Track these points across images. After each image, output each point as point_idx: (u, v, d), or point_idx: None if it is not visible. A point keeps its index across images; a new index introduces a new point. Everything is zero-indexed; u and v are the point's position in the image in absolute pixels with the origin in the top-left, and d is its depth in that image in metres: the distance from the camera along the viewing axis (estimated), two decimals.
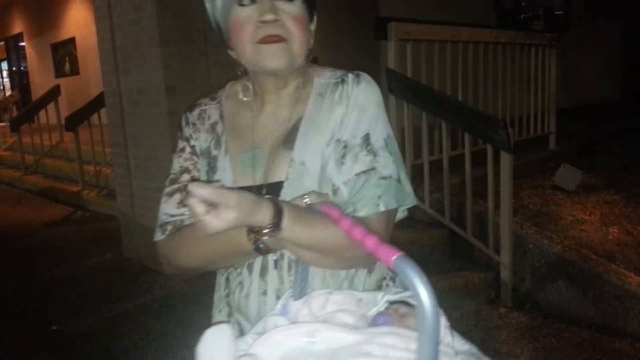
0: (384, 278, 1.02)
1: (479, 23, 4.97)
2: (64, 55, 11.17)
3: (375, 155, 0.93)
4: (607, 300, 2.82)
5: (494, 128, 2.97)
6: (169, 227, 1.00)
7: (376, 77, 1.06)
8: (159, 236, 1.01)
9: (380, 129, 0.96)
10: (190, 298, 3.31)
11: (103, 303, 3.41)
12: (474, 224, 3.27)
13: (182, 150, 1.06)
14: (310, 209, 0.84)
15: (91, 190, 5.86)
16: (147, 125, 3.70)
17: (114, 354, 2.85)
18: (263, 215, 0.78)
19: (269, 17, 0.90)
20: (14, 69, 14.37)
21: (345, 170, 0.93)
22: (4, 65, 15.07)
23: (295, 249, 0.87)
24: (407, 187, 0.97)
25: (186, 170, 1.04)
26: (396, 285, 1.02)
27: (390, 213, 0.95)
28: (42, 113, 7.26)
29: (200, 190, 0.71)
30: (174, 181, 1.04)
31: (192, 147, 1.05)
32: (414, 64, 3.58)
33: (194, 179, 1.03)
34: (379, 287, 1.00)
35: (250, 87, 1.04)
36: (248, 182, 0.98)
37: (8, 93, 14.22)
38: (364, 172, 0.92)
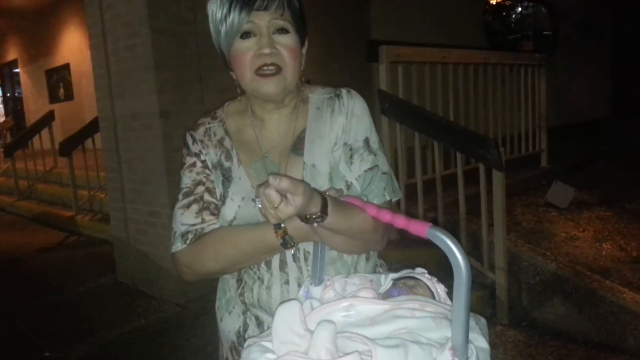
0: (377, 265, 1.18)
1: (470, 45, 5.06)
2: (58, 81, 11.22)
3: (375, 154, 1.11)
4: (603, 317, 2.82)
5: (486, 147, 3.01)
6: (190, 236, 1.08)
7: (368, 99, 1.19)
8: (179, 246, 1.08)
9: (374, 134, 1.13)
10: (184, 322, 3.28)
11: (97, 328, 3.38)
12: (468, 243, 3.29)
13: (193, 165, 1.14)
14: (340, 200, 0.95)
15: (85, 215, 5.84)
16: (142, 150, 3.71)
17: None
18: (316, 203, 0.86)
19: (267, 50, 1.03)
20: (9, 95, 14.41)
21: (355, 168, 1.09)
22: None
23: (328, 236, 0.95)
24: (396, 182, 1.15)
25: (200, 182, 1.12)
26: (385, 270, 1.19)
27: (391, 202, 1.12)
28: (36, 138, 7.27)
29: (277, 182, 0.79)
30: (189, 194, 1.12)
31: (203, 161, 1.14)
32: (405, 86, 3.63)
33: (208, 190, 1.12)
34: (374, 272, 1.14)
35: (249, 107, 1.16)
36: None
37: (2, 119, 14.23)
38: (370, 168, 1.09)
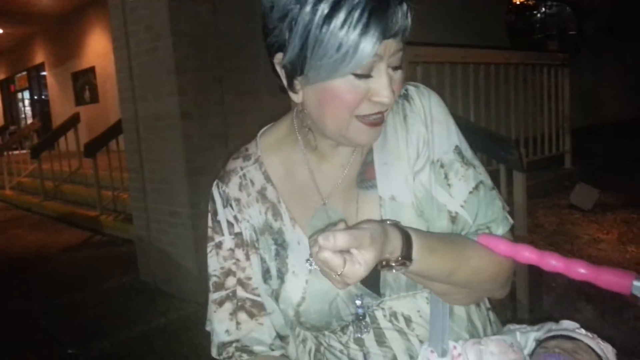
0: (488, 308, 0.93)
1: (493, 45, 5.00)
2: (84, 83, 11.47)
3: (474, 167, 0.85)
4: (626, 322, 2.76)
5: (506, 148, 2.97)
6: (231, 350, 0.88)
7: None
8: (214, 352, 0.91)
9: (463, 139, 0.87)
10: (205, 321, 3.32)
11: (119, 326, 3.43)
12: None
13: (219, 246, 0.89)
14: (438, 233, 0.75)
15: (109, 215, 5.93)
16: (163, 150, 3.77)
17: None
18: (393, 247, 0.67)
19: (387, 100, 0.73)
20: (36, 97, 14.78)
21: (457, 191, 0.82)
22: (26, 94, 15.51)
23: (424, 282, 0.76)
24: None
25: (229, 272, 0.89)
26: (493, 314, 0.94)
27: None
28: (62, 140, 7.43)
29: (330, 242, 0.60)
30: (219, 286, 0.89)
31: (237, 235, 0.88)
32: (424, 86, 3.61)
33: (241, 283, 0.88)
34: (487, 319, 0.91)
35: (299, 137, 0.87)
36: None
37: (29, 121, 14.58)
38: (475, 188, 0.83)
